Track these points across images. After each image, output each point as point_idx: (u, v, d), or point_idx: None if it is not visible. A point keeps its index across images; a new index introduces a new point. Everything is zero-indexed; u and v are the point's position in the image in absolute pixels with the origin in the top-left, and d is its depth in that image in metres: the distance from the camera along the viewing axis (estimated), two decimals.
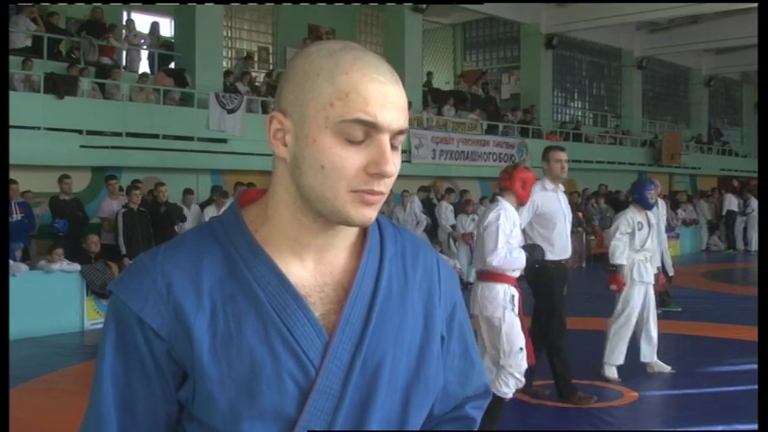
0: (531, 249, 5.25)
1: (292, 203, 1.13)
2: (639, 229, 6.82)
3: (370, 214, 1.09)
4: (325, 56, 1.09)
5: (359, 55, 1.08)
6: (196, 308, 1.09)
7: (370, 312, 1.15)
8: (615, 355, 6.76)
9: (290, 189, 1.12)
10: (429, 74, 20.35)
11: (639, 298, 6.82)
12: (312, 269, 1.15)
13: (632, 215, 6.86)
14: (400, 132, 1.09)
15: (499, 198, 5.31)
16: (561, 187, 6.06)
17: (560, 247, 5.89)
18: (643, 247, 6.84)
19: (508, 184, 5.21)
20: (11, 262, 8.82)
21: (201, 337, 1.09)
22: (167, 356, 1.10)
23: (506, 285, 5.04)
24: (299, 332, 1.11)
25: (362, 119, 1.05)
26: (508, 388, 5.00)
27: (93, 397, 1.13)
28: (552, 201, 5.89)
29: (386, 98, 1.06)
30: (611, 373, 6.75)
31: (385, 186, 1.08)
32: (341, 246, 1.17)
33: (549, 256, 5.75)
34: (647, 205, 6.91)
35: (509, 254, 4.98)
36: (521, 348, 4.99)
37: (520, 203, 5.29)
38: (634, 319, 6.82)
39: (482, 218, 5.33)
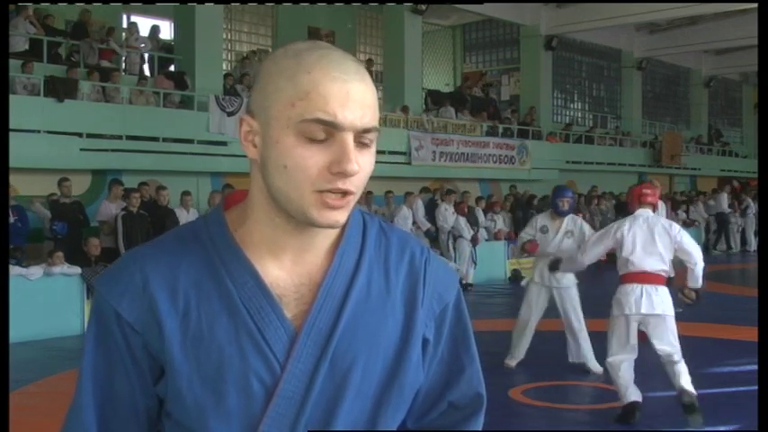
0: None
1: (267, 204, 1.13)
2: None
3: (337, 217, 1.07)
4: (290, 56, 1.08)
5: (324, 53, 1.07)
6: (169, 305, 1.11)
7: (340, 315, 1.13)
8: None
9: (263, 190, 1.13)
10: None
11: None
12: (289, 269, 1.14)
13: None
14: (367, 131, 1.07)
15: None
16: None
17: None
18: None
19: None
20: (26, 268, 8.90)
21: (172, 334, 1.10)
22: (144, 350, 1.12)
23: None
24: (269, 334, 1.10)
25: (322, 118, 1.04)
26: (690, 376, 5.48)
27: (77, 389, 1.15)
28: None
29: (348, 96, 1.04)
30: None
31: (352, 185, 1.06)
32: (320, 246, 1.16)
33: None
34: (556, 212, 7.18)
35: None
36: None
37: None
38: None
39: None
